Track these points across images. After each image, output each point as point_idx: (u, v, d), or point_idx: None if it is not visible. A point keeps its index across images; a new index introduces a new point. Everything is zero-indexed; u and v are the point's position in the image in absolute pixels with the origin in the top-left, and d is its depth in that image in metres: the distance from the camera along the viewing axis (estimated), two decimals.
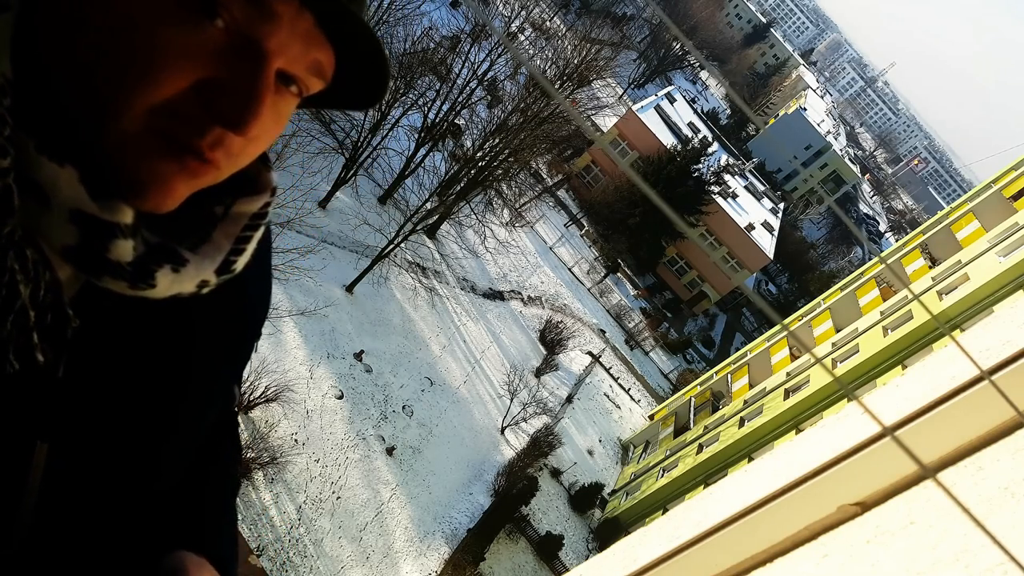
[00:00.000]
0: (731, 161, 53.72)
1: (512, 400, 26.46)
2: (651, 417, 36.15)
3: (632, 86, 69.57)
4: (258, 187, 0.69)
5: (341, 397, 21.07)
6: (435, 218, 29.65)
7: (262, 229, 0.70)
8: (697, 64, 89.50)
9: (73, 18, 0.51)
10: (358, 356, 22.47)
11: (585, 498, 27.75)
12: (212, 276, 0.65)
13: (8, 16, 0.53)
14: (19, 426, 0.57)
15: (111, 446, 0.66)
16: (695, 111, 62.39)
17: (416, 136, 27.25)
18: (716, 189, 48.09)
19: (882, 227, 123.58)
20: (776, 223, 57.07)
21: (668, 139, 49.67)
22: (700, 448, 28.41)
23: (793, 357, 29.94)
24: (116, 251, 0.56)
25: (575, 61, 33.95)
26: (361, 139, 25.35)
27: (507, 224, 35.36)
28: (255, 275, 0.76)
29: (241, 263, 0.68)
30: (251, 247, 0.69)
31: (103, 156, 0.53)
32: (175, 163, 0.54)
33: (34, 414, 0.58)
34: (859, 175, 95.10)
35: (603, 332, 38.79)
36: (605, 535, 26.40)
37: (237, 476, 0.94)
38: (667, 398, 38.55)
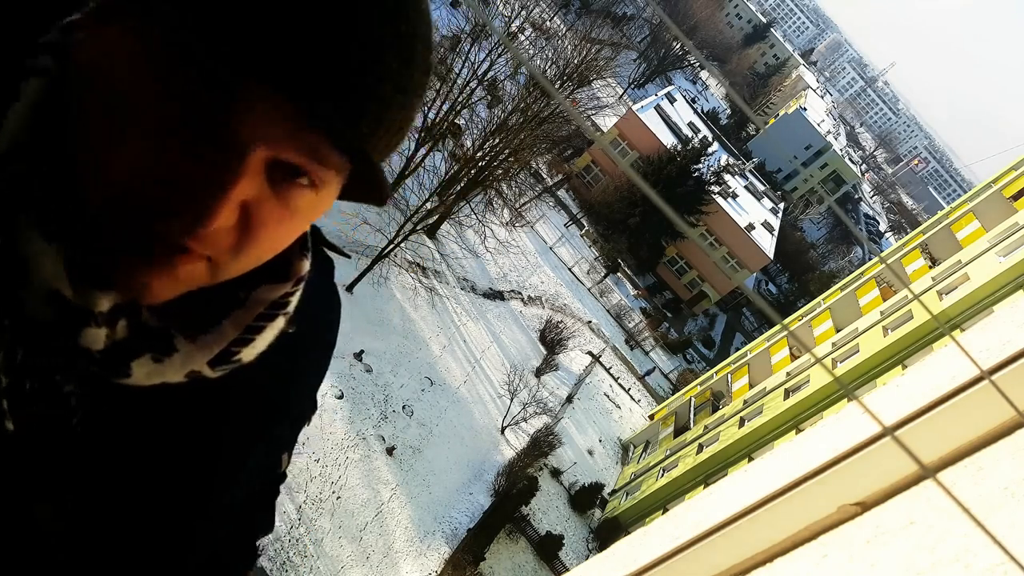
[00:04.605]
0: (731, 161, 53.73)
1: (512, 400, 26.45)
2: (651, 417, 36.16)
3: (632, 86, 69.57)
4: (285, 274, 0.65)
5: (341, 397, 21.07)
6: (435, 218, 29.65)
7: (280, 320, 0.65)
8: (697, 64, 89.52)
9: (76, 93, 0.50)
10: (358, 356, 22.47)
11: (585, 498, 27.76)
12: (206, 368, 0.61)
13: (38, 82, 0.51)
14: (11, 485, 0.56)
15: (120, 515, 0.64)
16: (695, 111, 62.40)
17: (416, 136, 27.25)
18: (716, 189, 48.11)
19: (882, 227, 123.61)
20: (776, 223, 57.09)
21: (668, 139, 49.68)
22: (700, 448, 28.42)
23: (793, 357, 29.93)
24: (86, 338, 0.54)
25: (575, 61, 33.95)
26: None
27: (507, 224, 35.35)
28: (313, 342, 0.72)
29: (249, 355, 0.64)
30: (264, 338, 0.64)
31: (86, 238, 0.51)
32: (147, 251, 0.50)
33: (35, 475, 0.57)
34: (859, 175, 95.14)
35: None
36: (605, 535, 26.40)
37: (257, 550, 0.90)
38: (667, 396, 38.59)
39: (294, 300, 0.66)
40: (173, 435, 0.65)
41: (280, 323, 0.65)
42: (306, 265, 0.68)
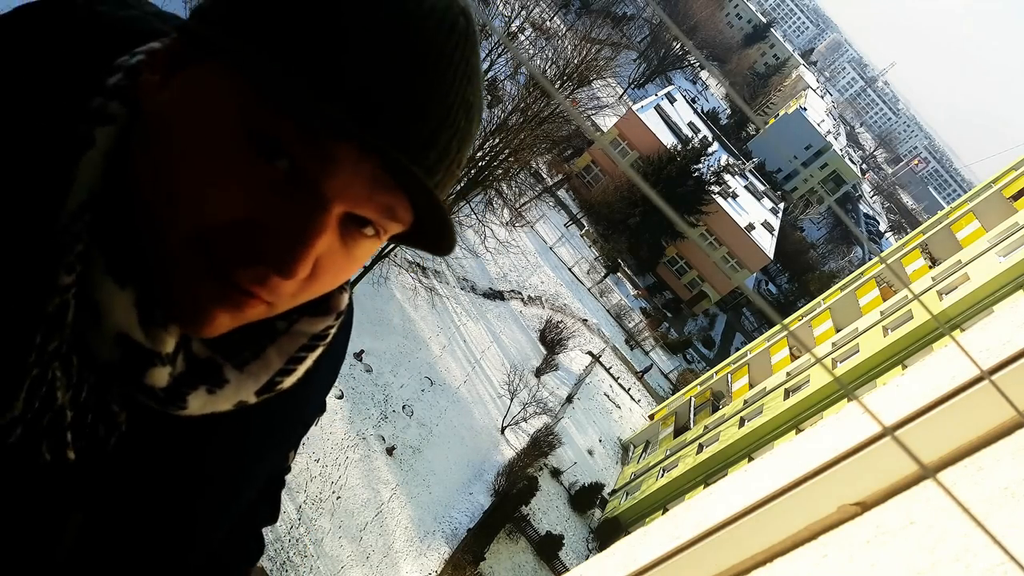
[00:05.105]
0: (731, 161, 53.71)
1: (512, 400, 26.45)
2: (651, 417, 36.16)
3: (632, 86, 69.53)
4: (326, 308, 0.67)
5: (341, 397, 21.08)
6: None
7: (320, 349, 0.68)
8: (697, 64, 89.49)
9: (152, 137, 0.52)
10: (358, 356, 22.47)
11: (585, 498, 27.75)
12: (252, 397, 0.64)
13: (110, 129, 0.54)
14: (56, 499, 0.59)
15: (145, 523, 0.66)
16: (695, 111, 62.38)
17: None
18: (716, 189, 48.10)
19: (882, 227, 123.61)
20: (776, 223, 57.08)
21: (668, 139, 49.66)
22: (700, 448, 28.41)
23: (793, 357, 29.93)
24: (152, 377, 0.57)
25: (575, 61, 33.94)
26: None
27: (507, 224, 35.34)
28: (327, 361, 0.75)
29: (289, 382, 0.66)
30: (304, 367, 0.67)
31: (155, 278, 0.53)
32: (217, 293, 0.52)
33: (75, 490, 0.59)
34: (859, 175, 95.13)
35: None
36: (605, 535, 26.39)
37: (263, 541, 0.94)
38: (667, 396, 38.57)
39: (334, 331, 0.69)
40: (199, 451, 0.67)
41: (319, 352, 0.68)
42: (345, 299, 0.70)
